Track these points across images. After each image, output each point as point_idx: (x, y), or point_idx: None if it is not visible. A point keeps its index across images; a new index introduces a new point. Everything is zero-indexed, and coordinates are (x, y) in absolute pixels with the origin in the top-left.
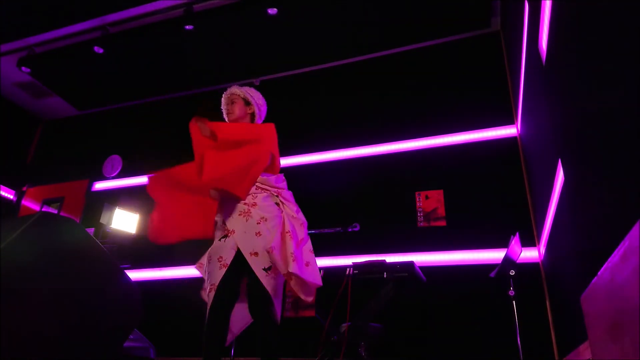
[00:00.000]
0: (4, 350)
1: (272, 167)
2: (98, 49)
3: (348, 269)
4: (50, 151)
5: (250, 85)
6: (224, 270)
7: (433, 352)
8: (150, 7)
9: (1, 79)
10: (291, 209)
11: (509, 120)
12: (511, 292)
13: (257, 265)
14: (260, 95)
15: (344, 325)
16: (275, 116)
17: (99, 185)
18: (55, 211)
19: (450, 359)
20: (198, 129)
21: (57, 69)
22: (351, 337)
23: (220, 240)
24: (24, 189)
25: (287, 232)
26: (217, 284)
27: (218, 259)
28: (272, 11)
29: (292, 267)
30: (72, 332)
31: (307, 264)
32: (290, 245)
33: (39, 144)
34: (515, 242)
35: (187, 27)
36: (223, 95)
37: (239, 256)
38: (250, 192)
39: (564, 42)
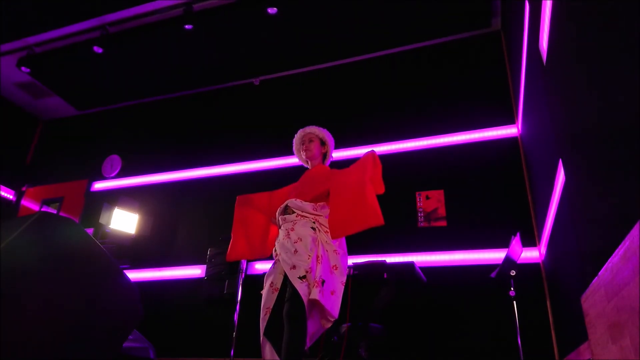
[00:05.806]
0: (4, 351)
1: (322, 198)
2: (98, 49)
3: (348, 269)
4: (49, 151)
5: (251, 85)
6: (276, 294)
7: (433, 352)
8: (149, 6)
9: (1, 79)
10: (326, 236)
11: (509, 120)
12: (512, 293)
13: (294, 275)
14: (331, 136)
15: (344, 325)
16: (274, 116)
17: (98, 185)
18: (54, 211)
19: (450, 359)
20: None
21: (57, 69)
22: (351, 337)
23: (272, 266)
24: (24, 189)
25: (318, 257)
26: (271, 307)
27: (270, 284)
28: (272, 11)
29: (314, 294)
30: (72, 332)
31: (333, 293)
32: (319, 270)
33: (39, 144)
34: (515, 242)
35: (187, 26)
36: (300, 132)
37: (287, 279)
38: (291, 219)
39: (564, 42)
